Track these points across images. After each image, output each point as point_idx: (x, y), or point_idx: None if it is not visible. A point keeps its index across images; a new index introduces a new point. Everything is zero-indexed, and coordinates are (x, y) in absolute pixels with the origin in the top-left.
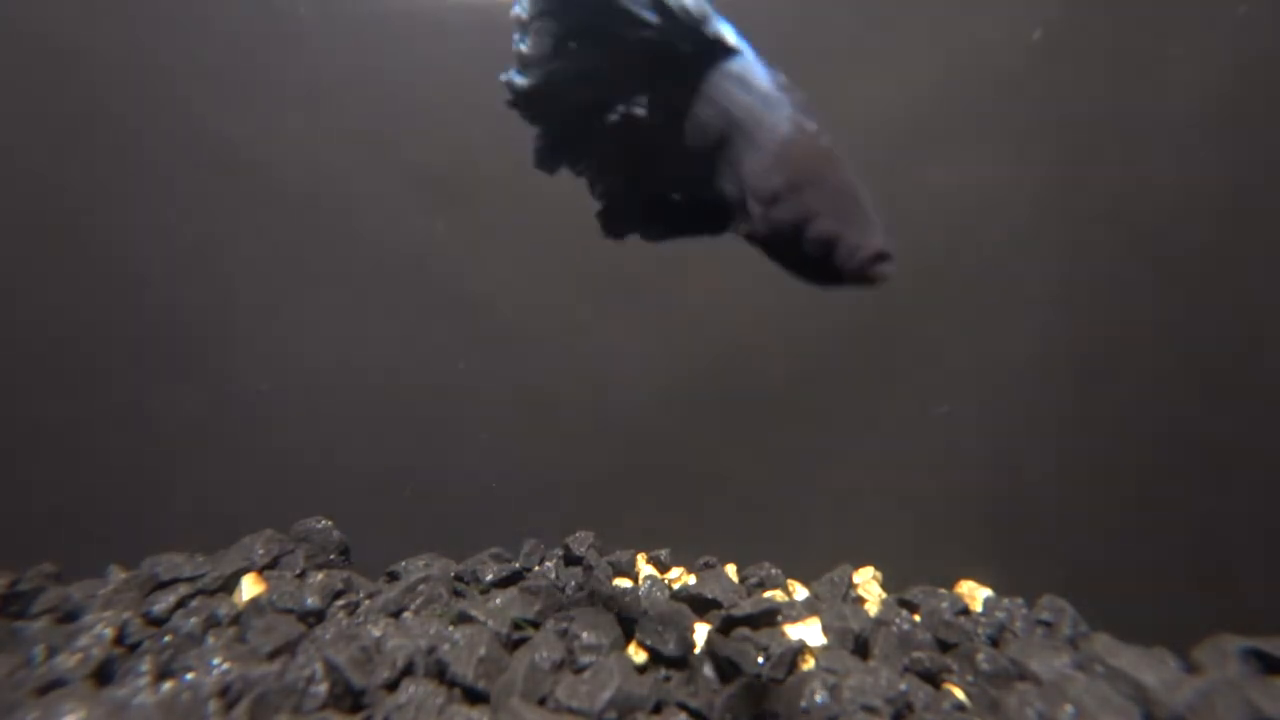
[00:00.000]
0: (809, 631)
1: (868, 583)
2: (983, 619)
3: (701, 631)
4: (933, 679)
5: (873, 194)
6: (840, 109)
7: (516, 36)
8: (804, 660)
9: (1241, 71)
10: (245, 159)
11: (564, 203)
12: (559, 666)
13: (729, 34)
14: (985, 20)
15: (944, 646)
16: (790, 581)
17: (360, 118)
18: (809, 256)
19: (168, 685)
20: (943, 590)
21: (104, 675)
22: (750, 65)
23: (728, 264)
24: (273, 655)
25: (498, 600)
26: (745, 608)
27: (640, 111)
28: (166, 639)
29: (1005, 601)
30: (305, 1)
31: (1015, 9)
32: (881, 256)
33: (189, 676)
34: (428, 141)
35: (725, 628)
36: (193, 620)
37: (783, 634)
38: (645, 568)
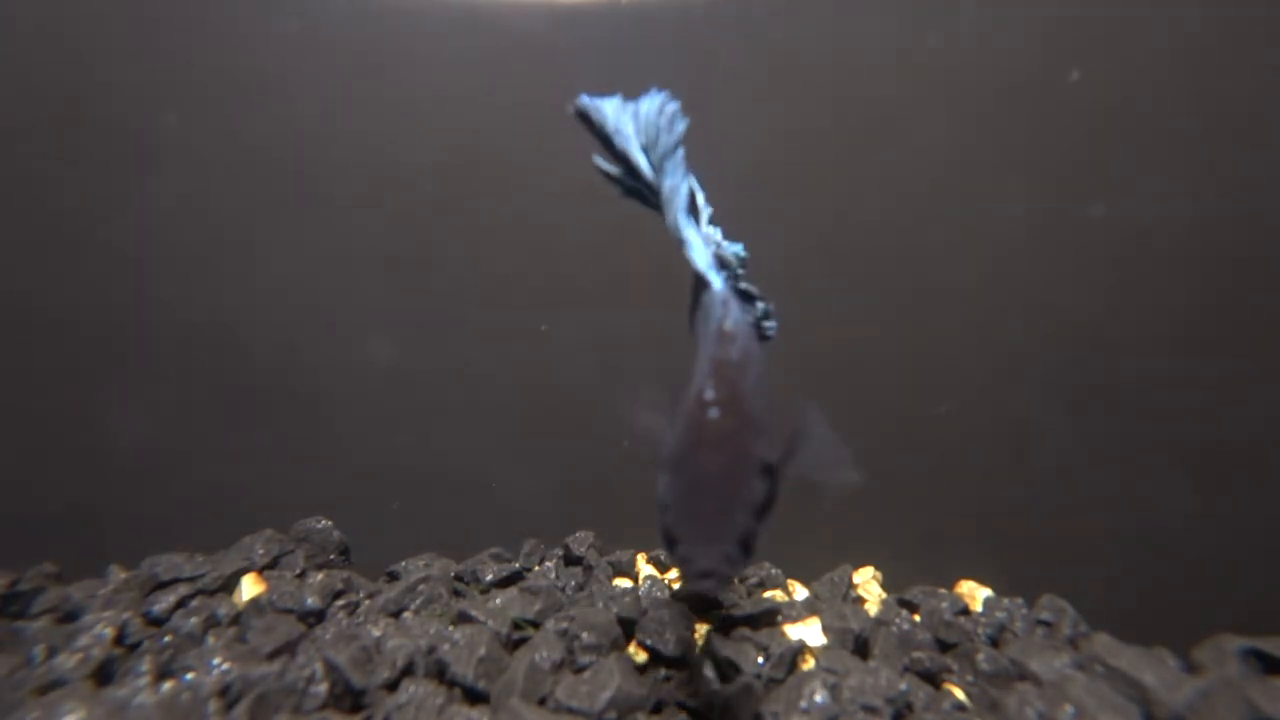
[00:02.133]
0: (809, 631)
1: (868, 583)
2: (983, 619)
3: (701, 631)
4: (933, 679)
5: (760, 466)
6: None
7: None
8: (804, 660)
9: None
10: (245, 157)
11: (573, 201)
12: (559, 666)
13: (701, 262)
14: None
15: (944, 646)
16: (790, 581)
17: (364, 114)
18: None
19: (168, 685)
20: (943, 590)
21: (104, 675)
22: (715, 300)
23: None
24: (273, 655)
25: (498, 600)
26: (745, 608)
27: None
28: (166, 639)
29: (1005, 601)
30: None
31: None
32: (705, 575)
33: (189, 676)
34: (431, 138)
35: (725, 628)
36: (193, 620)
37: (783, 634)
38: (645, 568)
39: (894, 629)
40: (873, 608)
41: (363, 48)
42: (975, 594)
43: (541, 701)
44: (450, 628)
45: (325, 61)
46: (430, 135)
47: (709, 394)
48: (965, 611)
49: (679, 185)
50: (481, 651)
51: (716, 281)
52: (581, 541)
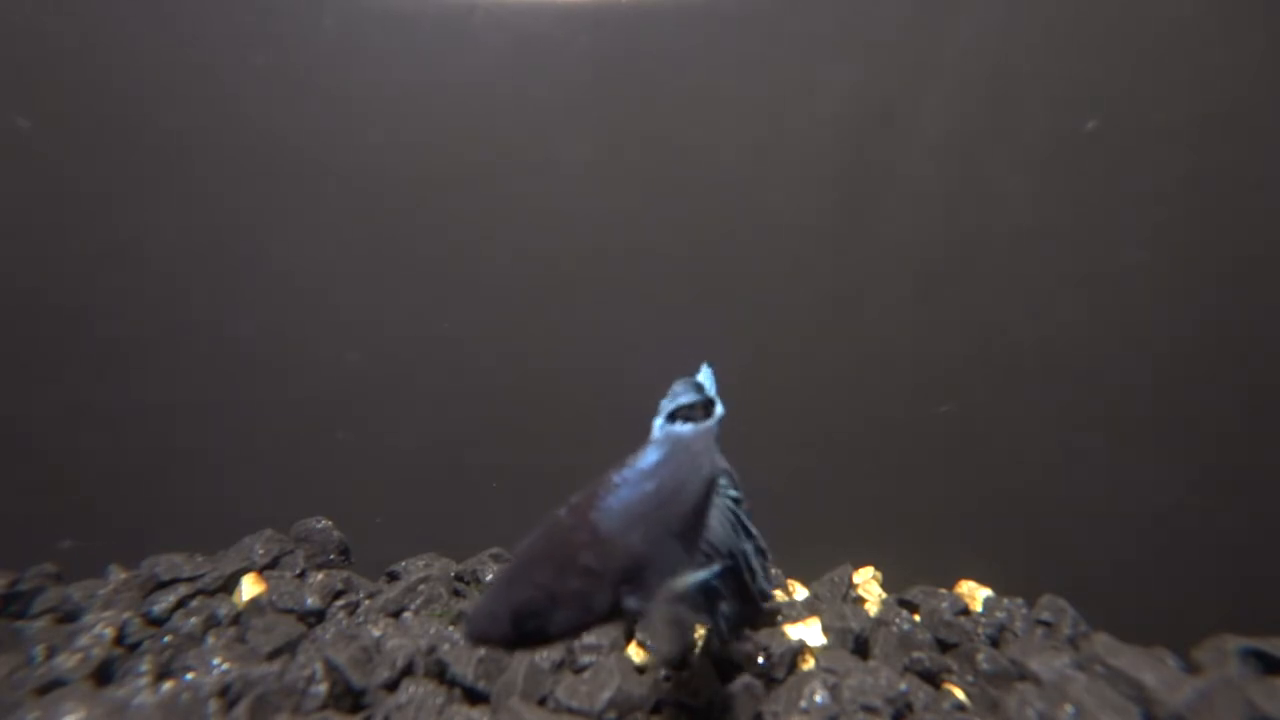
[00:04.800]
0: (809, 631)
1: (868, 583)
2: (983, 619)
3: (702, 632)
4: (933, 679)
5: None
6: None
7: None
8: (804, 660)
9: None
10: (243, 158)
11: (575, 199)
12: (559, 666)
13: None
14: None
15: (944, 646)
16: (790, 581)
17: (362, 113)
18: None
19: (168, 685)
20: (943, 590)
21: (104, 675)
22: (648, 447)
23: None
24: (273, 655)
25: None
26: None
27: None
28: (166, 639)
29: (1005, 601)
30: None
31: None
32: (467, 619)
33: (189, 676)
34: (429, 136)
35: None
36: (193, 620)
37: (783, 634)
38: None
39: (894, 629)
40: (873, 608)
41: (360, 46)
42: (975, 594)
43: (541, 701)
44: (450, 628)
45: (322, 61)
46: (428, 133)
47: (573, 499)
48: (965, 611)
49: (676, 395)
50: (481, 651)
51: (658, 431)
52: None
